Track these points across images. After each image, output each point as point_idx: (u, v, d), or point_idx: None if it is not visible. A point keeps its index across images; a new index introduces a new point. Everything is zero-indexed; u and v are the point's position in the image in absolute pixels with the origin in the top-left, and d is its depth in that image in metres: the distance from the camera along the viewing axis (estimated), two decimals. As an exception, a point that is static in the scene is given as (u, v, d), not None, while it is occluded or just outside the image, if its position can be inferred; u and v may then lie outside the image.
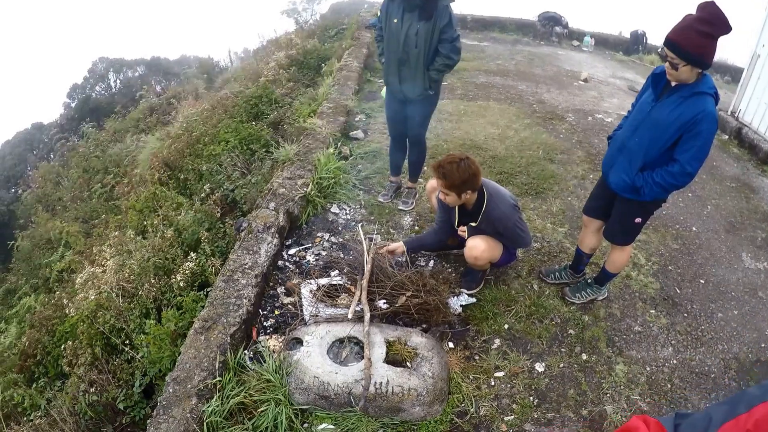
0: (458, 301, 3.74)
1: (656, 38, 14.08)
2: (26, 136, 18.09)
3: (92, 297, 4.02)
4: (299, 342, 3.08)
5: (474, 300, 3.80)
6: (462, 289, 3.84)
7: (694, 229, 5.12)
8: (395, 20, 4.03)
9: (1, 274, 8.68)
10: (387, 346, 3.02)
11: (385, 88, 4.62)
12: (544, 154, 6.20)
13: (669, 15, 2.80)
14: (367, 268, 3.54)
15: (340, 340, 3.10)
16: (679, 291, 4.23)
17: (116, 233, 4.96)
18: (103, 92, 20.14)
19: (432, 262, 4.18)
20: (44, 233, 7.67)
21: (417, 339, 3.14)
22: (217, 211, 4.70)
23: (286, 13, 13.91)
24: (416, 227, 4.61)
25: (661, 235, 4.91)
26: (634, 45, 13.83)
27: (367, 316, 3.11)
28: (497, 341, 3.51)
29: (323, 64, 8.76)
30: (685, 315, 3.97)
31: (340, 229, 4.52)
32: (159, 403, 2.74)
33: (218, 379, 2.86)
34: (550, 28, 13.44)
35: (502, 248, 3.70)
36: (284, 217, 4.24)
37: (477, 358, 3.36)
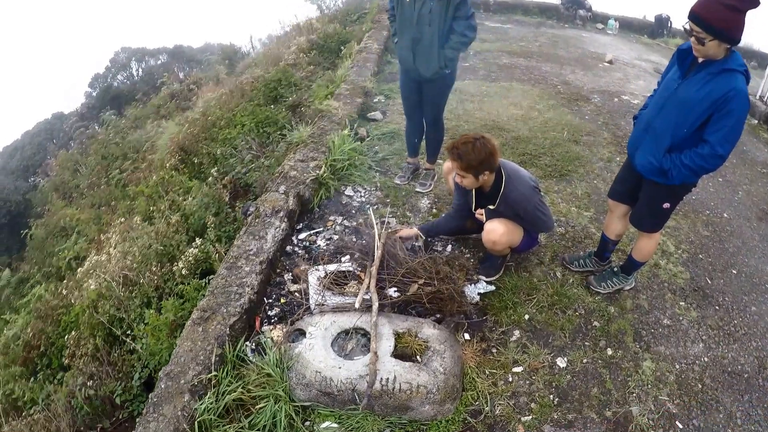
0: (476, 289, 3.51)
1: (681, 22, 13.50)
2: (46, 126, 18.00)
3: (93, 286, 3.90)
4: (302, 333, 2.89)
5: (493, 288, 3.56)
6: (480, 276, 3.61)
7: (725, 215, 4.82)
8: None
9: (16, 263, 8.65)
10: (395, 339, 2.81)
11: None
12: (568, 136, 5.93)
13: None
14: (378, 254, 3.32)
15: (346, 332, 2.90)
16: (710, 282, 3.95)
17: (122, 219, 4.83)
18: (125, 81, 19.94)
19: (449, 247, 3.96)
20: (58, 221, 7.61)
21: (428, 330, 2.92)
22: (226, 195, 4.52)
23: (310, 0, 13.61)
24: (434, 210, 4.40)
25: (690, 222, 4.62)
26: (658, 29, 13.51)
27: (375, 305, 2.89)
28: (516, 333, 3.28)
29: (342, 47, 8.55)
30: (717, 308, 3.70)
31: (353, 212, 4.32)
32: (150, 399, 2.59)
33: (213, 373, 2.69)
34: (574, 11, 13.25)
35: (523, 232, 3.47)
36: (294, 201, 4.05)
37: (494, 351, 3.14)
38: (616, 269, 3.67)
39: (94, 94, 19.18)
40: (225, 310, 3.02)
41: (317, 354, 2.71)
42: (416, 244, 3.68)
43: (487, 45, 9.74)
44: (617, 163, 5.34)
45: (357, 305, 2.96)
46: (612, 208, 3.55)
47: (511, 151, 5.37)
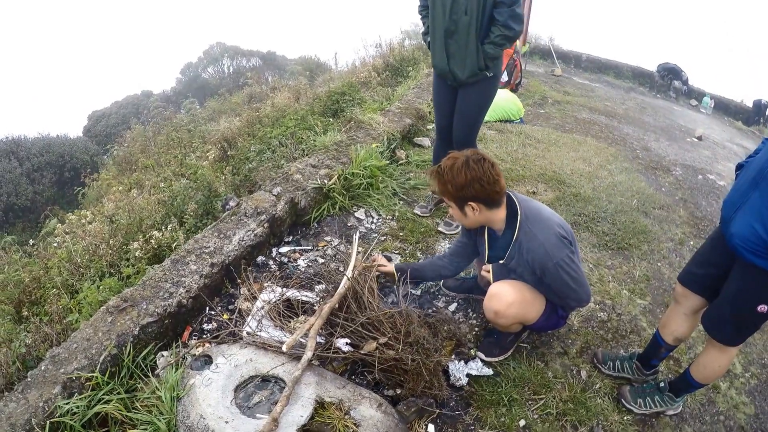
0: (466, 369, 2.65)
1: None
2: (134, 101, 19.17)
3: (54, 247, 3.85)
4: (209, 361, 2.25)
5: (490, 372, 2.68)
6: (478, 353, 2.75)
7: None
8: None
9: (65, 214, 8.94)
10: (315, 408, 2.08)
11: None
12: (638, 205, 5.00)
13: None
14: (340, 290, 2.59)
15: (264, 378, 2.22)
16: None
17: (120, 188, 4.57)
18: (214, 75, 21.16)
19: (454, 305, 3.15)
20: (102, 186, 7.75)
21: (367, 411, 2.13)
22: (222, 185, 4.05)
23: (406, 33, 13.65)
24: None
25: (768, 338, 3.49)
26: (755, 116, 12.50)
27: (307, 355, 2.18)
28: (502, 442, 2.39)
29: (411, 69, 8.20)
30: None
31: (357, 238, 3.64)
32: (24, 378, 2.17)
33: (95, 374, 2.17)
34: (669, 81, 12.62)
35: (544, 305, 2.57)
36: (285, 207, 3.48)
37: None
38: (662, 385, 2.64)
39: (184, 80, 20.19)
40: (145, 307, 2.48)
41: (211, 394, 2.05)
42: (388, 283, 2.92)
43: (569, 98, 9.22)
44: (690, 248, 4.36)
45: (285, 348, 2.24)
46: (679, 299, 2.54)
47: (566, 209, 4.55)
